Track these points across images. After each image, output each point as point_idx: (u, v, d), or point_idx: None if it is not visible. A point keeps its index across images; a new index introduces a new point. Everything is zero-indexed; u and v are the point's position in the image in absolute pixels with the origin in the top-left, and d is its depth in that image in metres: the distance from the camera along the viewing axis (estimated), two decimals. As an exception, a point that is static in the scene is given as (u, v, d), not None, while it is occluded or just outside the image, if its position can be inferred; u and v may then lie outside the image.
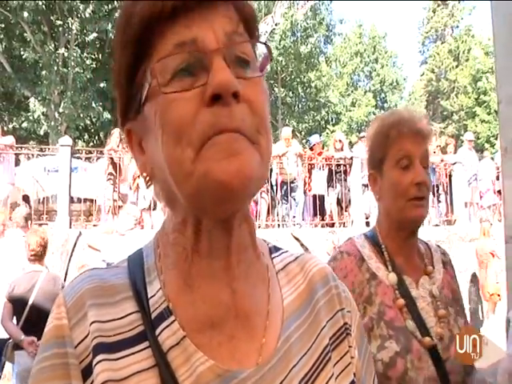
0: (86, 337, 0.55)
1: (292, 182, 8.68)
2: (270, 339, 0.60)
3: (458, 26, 29.29)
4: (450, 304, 1.31)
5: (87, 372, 0.54)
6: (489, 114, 22.71)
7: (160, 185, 0.59)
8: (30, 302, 3.90)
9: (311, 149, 9.50)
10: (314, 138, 10.15)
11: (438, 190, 9.93)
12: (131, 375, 0.53)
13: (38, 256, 4.12)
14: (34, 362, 0.57)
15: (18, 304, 3.93)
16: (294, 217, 8.73)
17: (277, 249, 0.72)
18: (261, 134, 0.54)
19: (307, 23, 21.39)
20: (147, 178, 0.60)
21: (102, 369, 0.53)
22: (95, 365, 0.54)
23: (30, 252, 4.08)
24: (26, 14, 14.90)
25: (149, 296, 0.59)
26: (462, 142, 10.93)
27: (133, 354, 0.55)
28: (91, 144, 18.21)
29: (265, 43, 0.59)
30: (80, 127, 17.33)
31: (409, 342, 1.18)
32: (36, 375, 0.55)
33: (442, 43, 29.05)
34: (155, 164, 0.57)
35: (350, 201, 9.14)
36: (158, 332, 0.56)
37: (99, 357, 0.54)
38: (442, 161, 9.96)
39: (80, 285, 0.59)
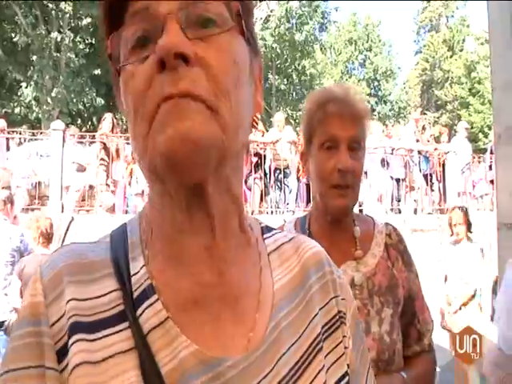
0: (63, 315, 0.52)
1: (285, 169, 8.67)
2: (259, 325, 0.57)
3: (452, 16, 29.30)
4: (379, 293, 1.22)
5: (62, 352, 0.50)
6: (482, 103, 22.76)
7: (137, 162, 0.56)
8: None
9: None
10: (304, 125, 10.14)
11: (431, 179, 9.98)
12: (108, 357, 0.50)
13: (47, 240, 4.29)
14: (9, 340, 0.54)
15: (26, 283, 3.98)
16: (288, 203, 8.73)
17: (269, 229, 0.69)
18: (220, 100, 0.49)
19: (302, 10, 21.25)
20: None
21: (78, 349, 0.50)
22: (71, 345, 0.50)
23: (44, 236, 4.25)
24: (17, -4, 14.69)
25: (131, 273, 0.55)
26: (456, 131, 10.95)
27: (111, 334, 0.51)
28: (84, 129, 18.05)
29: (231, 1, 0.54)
30: (73, 112, 17.17)
31: None
32: (8, 354, 0.51)
33: (437, 33, 29.02)
34: (131, 142, 0.54)
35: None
36: (139, 312, 0.52)
37: (75, 336, 0.50)
38: (435, 150, 10.00)
39: (57, 260, 0.55)
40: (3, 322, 4.04)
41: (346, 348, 0.63)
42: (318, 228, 1.30)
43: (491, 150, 8.74)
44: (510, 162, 2.64)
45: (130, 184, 8.01)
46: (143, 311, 0.53)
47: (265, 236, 0.66)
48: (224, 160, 0.51)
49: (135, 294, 0.53)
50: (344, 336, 0.63)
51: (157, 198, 0.56)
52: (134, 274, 0.55)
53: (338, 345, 0.62)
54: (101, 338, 0.51)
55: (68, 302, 0.52)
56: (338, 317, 0.64)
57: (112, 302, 0.53)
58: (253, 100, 0.58)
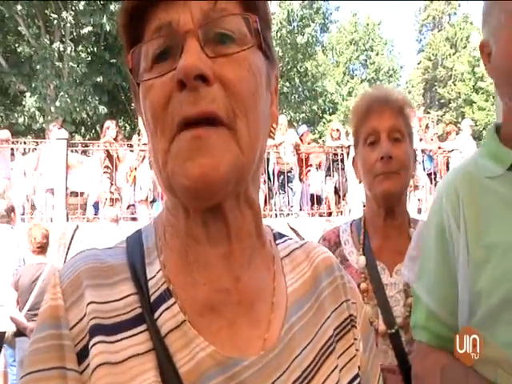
0: (83, 318, 0.54)
1: (289, 172, 8.67)
2: (273, 327, 0.58)
3: (455, 13, 29.20)
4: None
5: (83, 354, 0.52)
6: (486, 100, 22.63)
7: (154, 169, 0.58)
8: (34, 293, 4.05)
9: (300, 139, 9.51)
10: (302, 129, 10.21)
11: (435, 178, 9.93)
12: (128, 358, 0.52)
13: (42, 248, 4.30)
14: (29, 343, 0.55)
15: (22, 293, 4.07)
16: (292, 206, 8.73)
17: (281, 235, 0.71)
18: (238, 117, 0.51)
19: (304, 12, 21.25)
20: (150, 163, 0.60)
21: (98, 351, 0.52)
22: (91, 346, 0.52)
23: (35, 245, 4.25)
24: (19, 8, 14.79)
25: (148, 277, 0.57)
26: (460, 129, 10.89)
27: (130, 337, 0.53)
28: (88, 137, 18.16)
29: (251, 14, 0.55)
30: (76, 121, 17.26)
31: None
32: (30, 356, 0.53)
33: (439, 31, 28.93)
34: (150, 149, 0.57)
35: (347, 189, 9.15)
36: (156, 315, 0.54)
37: (96, 338, 0.52)
38: (439, 148, 9.95)
39: (76, 265, 0.57)
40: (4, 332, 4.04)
41: (357, 350, 0.65)
42: (372, 227, 1.34)
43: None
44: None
45: (134, 191, 8.04)
46: (160, 314, 0.54)
47: (277, 242, 0.69)
48: (242, 178, 0.53)
49: (152, 298, 0.55)
50: (355, 339, 0.65)
51: (173, 210, 0.58)
52: (150, 279, 0.57)
53: (349, 347, 0.64)
54: (120, 339, 0.53)
55: (88, 304, 0.54)
56: (349, 320, 0.66)
57: (130, 306, 0.55)
58: (270, 110, 0.60)
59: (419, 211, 9.44)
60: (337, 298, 0.66)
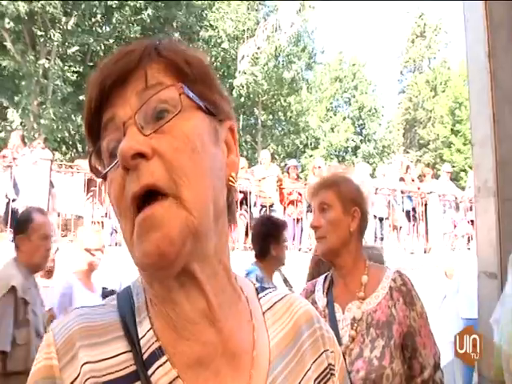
0: (77, 378, 0.55)
1: (271, 206, 8.68)
2: (257, 379, 0.61)
3: (435, 58, 30.15)
4: (376, 326, 1.54)
5: None
6: (464, 144, 23.26)
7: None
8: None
9: (287, 172, 9.57)
10: (291, 162, 10.27)
11: (414, 218, 10.08)
12: None
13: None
14: None
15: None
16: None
17: (263, 288, 0.74)
18: (180, 184, 0.54)
19: (291, 49, 21.68)
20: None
21: None
22: None
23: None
24: (7, 21, 14.73)
25: (139, 336, 0.59)
26: (439, 170, 11.15)
27: None
28: (68, 156, 17.93)
29: (175, 84, 0.58)
30: (58, 139, 17.07)
31: None
32: None
33: (420, 73, 29.81)
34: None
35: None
36: (150, 372, 0.56)
37: None
38: (418, 189, 10.13)
39: (69, 324, 0.59)
40: None
41: None
42: (335, 277, 1.70)
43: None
44: (488, 215, 2.74)
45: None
46: (154, 372, 0.57)
47: (259, 296, 0.71)
48: (199, 235, 0.56)
49: (145, 356, 0.58)
50: None
51: (147, 281, 0.61)
52: (142, 337, 0.59)
53: None
54: None
55: (83, 365, 0.56)
56: (328, 369, 0.69)
57: (124, 363, 0.57)
58: (226, 161, 0.63)
59: (398, 250, 9.53)
60: (317, 349, 0.69)
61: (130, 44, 0.62)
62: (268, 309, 0.70)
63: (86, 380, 0.55)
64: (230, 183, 0.63)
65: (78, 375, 0.55)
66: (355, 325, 1.54)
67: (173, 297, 0.58)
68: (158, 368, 0.57)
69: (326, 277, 1.75)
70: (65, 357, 0.57)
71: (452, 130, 24.96)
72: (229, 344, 0.60)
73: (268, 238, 3.18)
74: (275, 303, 0.71)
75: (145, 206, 0.54)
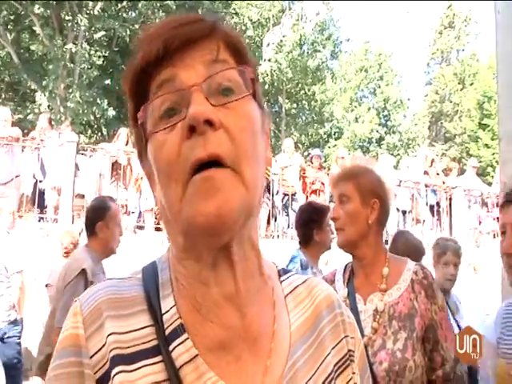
0: (102, 347, 0.57)
1: (293, 195, 8.67)
2: (276, 363, 0.62)
3: (463, 49, 29.51)
4: (398, 318, 1.55)
5: (102, 382, 0.56)
6: (492, 139, 22.76)
7: (163, 219, 0.62)
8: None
9: (310, 161, 9.54)
10: (315, 152, 10.21)
11: (438, 212, 9.95)
12: None
13: (69, 254, 4.60)
14: (49, 368, 0.59)
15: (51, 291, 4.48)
16: (292, 228, 8.72)
17: (285, 271, 0.74)
18: (242, 162, 0.55)
19: (315, 37, 21.51)
20: (158, 213, 0.62)
21: (120, 380, 0.55)
22: (113, 376, 0.55)
23: (63, 250, 4.68)
24: (36, 7, 14.92)
25: (163, 311, 0.60)
26: (464, 165, 10.98)
27: (147, 365, 0.57)
28: (93, 140, 18.17)
29: (246, 67, 0.61)
30: (84, 122, 17.31)
31: None
32: (51, 381, 0.58)
33: (448, 65, 29.26)
34: (159, 201, 0.60)
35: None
36: (171, 348, 0.58)
37: (117, 369, 0.56)
38: (443, 183, 10.00)
39: (96, 295, 0.61)
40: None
41: (355, 383, 0.69)
42: (355, 268, 1.72)
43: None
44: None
45: (139, 199, 8.02)
46: (175, 347, 0.58)
47: (281, 279, 0.72)
48: (249, 215, 0.57)
49: (167, 332, 0.59)
50: (353, 372, 0.69)
51: (182, 254, 0.61)
52: (165, 313, 0.60)
53: (348, 381, 0.68)
54: (139, 368, 0.56)
55: (108, 335, 0.57)
56: (348, 355, 0.69)
57: (147, 337, 0.58)
58: (264, 154, 0.64)
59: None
60: (337, 335, 0.69)
61: (191, 14, 0.63)
62: (290, 292, 0.70)
63: (111, 350, 0.57)
64: (266, 176, 0.64)
65: (104, 345, 0.57)
66: (377, 316, 1.56)
67: (203, 277, 0.59)
68: (178, 345, 0.58)
69: (345, 267, 1.77)
70: (91, 326, 0.58)
71: (480, 124, 24.43)
72: (251, 329, 0.61)
73: (310, 223, 3.17)
74: (297, 287, 0.71)
75: (202, 170, 0.54)
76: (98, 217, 3.10)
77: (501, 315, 1.76)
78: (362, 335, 1.45)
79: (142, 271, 0.66)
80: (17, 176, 7.52)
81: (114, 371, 0.56)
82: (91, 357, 0.57)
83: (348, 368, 0.68)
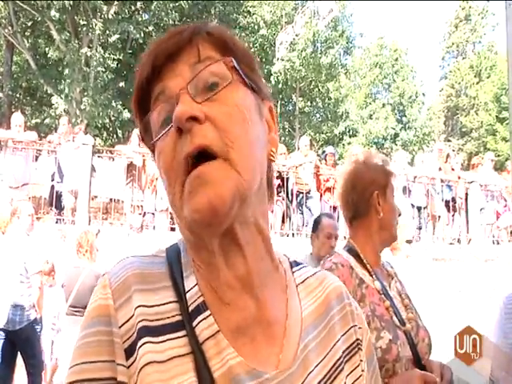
0: (130, 318, 0.60)
1: (308, 193, 8.67)
2: (289, 346, 0.65)
3: (480, 42, 29.05)
4: (407, 298, 1.64)
5: (130, 351, 0.59)
6: (511, 132, 22.35)
7: (175, 218, 0.65)
8: (74, 291, 4.62)
9: (324, 159, 9.52)
10: (329, 149, 10.20)
11: (454, 208, 9.83)
12: (171, 358, 0.58)
13: (86, 253, 4.80)
14: (78, 337, 0.61)
15: (67, 291, 4.68)
16: (307, 226, 8.70)
17: (297, 263, 0.77)
18: (231, 147, 0.58)
19: (328, 34, 21.37)
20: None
21: (146, 350, 0.58)
22: (140, 346, 0.58)
23: (81, 250, 4.77)
24: (53, 13, 15.14)
25: (186, 289, 0.63)
26: (482, 159, 10.80)
27: (172, 339, 0.59)
28: (109, 142, 18.37)
29: (226, 58, 0.63)
30: (99, 125, 17.51)
31: (395, 332, 1.45)
32: (82, 348, 0.60)
33: (463, 59, 28.84)
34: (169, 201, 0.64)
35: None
36: (194, 323, 0.61)
37: (144, 339, 0.58)
38: (459, 178, 9.87)
39: (124, 270, 0.64)
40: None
41: (362, 371, 0.72)
42: (370, 256, 1.67)
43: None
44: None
45: (155, 200, 8.10)
46: (198, 323, 0.61)
47: (293, 270, 0.75)
48: (246, 198, 0.59)
49: (190, 308, 0.62)
50: (361, 360, 0.73)
51: (191, 245, 0.65)
52: (188, 291, 0.64)
53: (356, 367, 0.72)
54: (164, 341, 0.59)
55: (136, 308, 0.60)
56: (356, 343, 0.73)
57: (171, 312, 0.62)
58: (267, 137, 0.67)
59: (436, 240, 9.36)
60: (346, 324, 0.73)
61: (177, 27, 0.67)
62: (301, 282, 0.74)
63: (139, 322, 0.59)
64: (271, 157, 0.67)
65: (132, 316, 0.60)
66: (402, 296, 1.64)
67: (214, 262, 0.62)
68: (201, 321, 0.61)
69: (348, 251, 1.72)
70: (120, 298, 0.61)
71: (497, 117, 24.02)
72: (264, 311, 0.64)
73: None
74: (308, 278, 0.75)
75: (196, 167, 0.57)
76: (313, 229, 3.80)
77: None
78: (403, 318, 1.52)
79: (166, 251, 0.69)
80: (33, 179, 7.66)
81: (140, 341, 0.58)
82: (120, 327, 0.59)
83: (356, 355, 0.72)
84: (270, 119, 0.69)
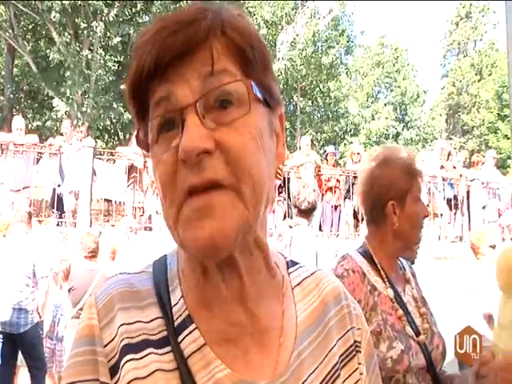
0: (114, 338, 0.60)
1: (309, 192, 8.64)
2: (283, 354, 0.63)
3: (481, 39, 28.99)
4: (424, 304, 1.56)
5: (114, 370, 0.58)
6: (512, 129, 22.31)
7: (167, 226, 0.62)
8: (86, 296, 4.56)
9: (325, 159, 9.52)
10: (330, 149, 10.19)
11: (456, 205, 9.82)
12: (154, 372, 0.58)
13: (93, 254, 4.81)
14: (68, 356, 0.62)
15: (75, 295, 4.62)
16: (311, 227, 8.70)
17: (294, 263, 0.75)
18: (241, 180, 0.53)
19: (329, 34, 21.36)
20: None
21: (129, 368, 0.57)
22: (123, 364, 0.58)
23: (86, 251, 4.76)
24: (53, 15, 15.18)
25: (172, 304, 0.63)
26: (483, 157, 10.79)
27: (156, 354, 0.59)
28: (110, 144, 18.40)
29: (246, 80, 0.57)
30: (100, 127, 17.55)
31: (408, 342, 1.40)
32: (70, 368, 0.60)
33: (465, 57, 28.78)
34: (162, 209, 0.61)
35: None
36: (180, 338, 0.60)
37: (127, 357, 0.58)
38: (460, 176, 9.86)
39: (109, 289, 0.64)
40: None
41: (361, 374, 0.70)
42: (384, 261, 1.58)
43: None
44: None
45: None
46: (183, 338, 0.60)
47: (290, 270, 0.73)
48: (250, 228, 0.56)
49: (176, 323, 0.61)
50: (359, 363, 0.70)
51: (186, 262, 0.64)
52: (174, 305, 0.62)
53: (354, 371, 0.69)
54: (146, 355, 0.59)
55: (119, 326, 0.60)
56: (354, 346, 0.70)
57: (157, 328, 0.61)
58: (276, 152, 0.62)
59: (438, 238, 9.34)
60: (343, 326, 0.71)
61: (186, 7, 0.59)
62: (297, 284, 0.71)
63: (122, 340, 0.59)
64: (278, 175, 0.64)
65: (116, 335, 0.59)
66: (419, 303, 1.56)
67: (209, 278, 0.60)
68: (187, 335, 0.60)
69: (362, 255, 1.65)
70: (105, 318, 0.61)
71: (499, 114, 23.98)
72: (258, 323, 0.63)
73: None
74: (304, 279, 0.73)
75: (198, 192, 0.53)
76: None
77: None
78: (418, 328, 1.47)
79: (153, 265, 0.68)
80: (34, 182, 7.69)
81: (123, 360, 0.58)
82: (105, 346, 0.59)
83: (354, 358, 0.69)
84: (279, 130, 0.64)
